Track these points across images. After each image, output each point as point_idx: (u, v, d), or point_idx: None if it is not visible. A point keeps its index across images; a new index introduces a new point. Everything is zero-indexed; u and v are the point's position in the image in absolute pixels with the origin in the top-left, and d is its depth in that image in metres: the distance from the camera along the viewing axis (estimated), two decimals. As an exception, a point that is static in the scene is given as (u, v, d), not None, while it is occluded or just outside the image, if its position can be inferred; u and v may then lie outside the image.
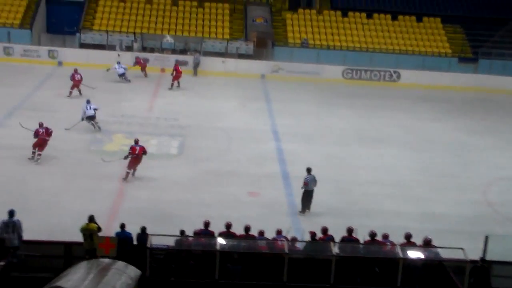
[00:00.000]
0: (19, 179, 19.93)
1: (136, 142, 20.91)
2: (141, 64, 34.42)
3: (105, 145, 23.55)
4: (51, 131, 21.84)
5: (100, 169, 21.18)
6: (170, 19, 39.33)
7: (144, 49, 37.08)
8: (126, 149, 21.34)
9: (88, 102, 24.96)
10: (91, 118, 24.61)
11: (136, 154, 20.47)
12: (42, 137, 21.52)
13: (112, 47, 36.73)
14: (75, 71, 29.81)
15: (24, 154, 21.77)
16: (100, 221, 14.89)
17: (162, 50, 36.89)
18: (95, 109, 24.59)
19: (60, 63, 35.04)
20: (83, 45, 36.88)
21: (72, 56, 35.32)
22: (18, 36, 36.15)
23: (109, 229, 15.48)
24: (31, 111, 26.37)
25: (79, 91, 29.58)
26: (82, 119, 24.49)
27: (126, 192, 19.74)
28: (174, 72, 32.47)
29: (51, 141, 22.17)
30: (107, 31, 37.74)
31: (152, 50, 37.09)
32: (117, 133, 24.61)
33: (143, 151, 20.66)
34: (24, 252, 14.21)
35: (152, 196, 19.49)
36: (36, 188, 19.36)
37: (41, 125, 21.83)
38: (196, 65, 35.77)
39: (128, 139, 23.89)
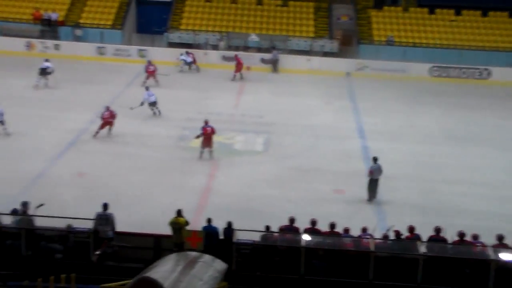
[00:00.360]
0: (113, 173, 20.68)
1: (206, 123, 22.30)
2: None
3: (192, 141, 23.97)
4: (115, 114, 23.99)
5: (188, 165, 21.74)
6: (255, 18, 39.70)
7: (229, 47, 37.59)
8: (214, 145, 22.59)
9: (147, 89, 26.86)
10: (154, 104, 26.43)
11: (207, 134, 21.97)
12: (106, 119, 23.75)
13: (198, 46, 37.46)
14: (149, 62, 32.16)
15: (117, 150, 22.74)
16: (187, 215, 15.28)
17: (247, 48, 37.28)
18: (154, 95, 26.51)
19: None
20: (170, 44, 37.74)
21: (160, 55, 36.17)
22: (110, 36, 37.48)
23: (196, 223, 15.81)
24: (122, 107, 27.26)
25: (156, 81, 31.29)
26: (142, 104, 26.06)
27: (212, 188, 20.12)
28: (236, 64, 33.72)
29: (142, 138, 23.65)
30: (193, 31, 38.52)
31: (237, 48, 37.53)
32: (204, 130, 25.09)
33: (213, 132, 22.13)
34: (117, 243, 14.78)
35: (238, 191, 19.76)
36: (128, 182, 20.04)
37: (107, 108, 24.04)
38: (275, 62, 36.05)
39: (215, 136, 24.35)
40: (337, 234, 14.90)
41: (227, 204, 18.47)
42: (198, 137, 22.29)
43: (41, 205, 14.81)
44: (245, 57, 36.25)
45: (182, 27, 39.00)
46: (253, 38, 37.52)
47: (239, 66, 33.87)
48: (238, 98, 30.69)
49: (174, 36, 38.14)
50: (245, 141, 24.57)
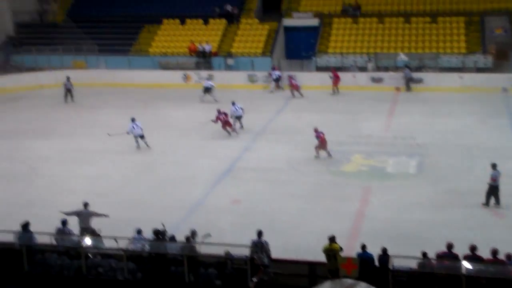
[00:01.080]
0: (267, 200, 21.05)
1: (316, 130, 24.47)
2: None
3: (343, 166, 23.99)
4: (227, 113, 27.70)
5: (340, 190, 21.70)
6: (403, 37, 39.08)
7: (378, 68, 37.28)
8: (365, 169, 23.18)
9: (233, 104, 28.36)
10: (239, 118, 28.30)
11: (322, 140, 24.26)
12: (224, 119, 27.52)
13: (346, 69, 37.54)
14: (292, 77, 35.24)
15: (270, 176, 23.16)
16: (340, 241, 15.23)
17: (396, 68, 36.74)
18: (242, 109, 28.42)
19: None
20: (319, 69, 38.15)
21: (309, 79, 36.69)
22: (260, 64, 38.58)
23: (350, 250, 15.72)
24: (274, 134, 27.92)
25: (301, 94, 34.52)
26: (231, 117, 28.12)
27: (365, 213, 19.90)
28: (332, 77, 35.07)
29: (294, 164, 24.16)
30: (341, 53, 38.65)
31: (386, 69, 37.12)
32: (355, 154, 24.95)
33: (324, 135, 24.46)
34: (273, 270, 15.06)
35: (392, 216, 19.39)
36: (281, 209, 20.29)
37: (219, 111, 27.72)
38: (408, 80, 35.22)
39: (366, 160, 24.28)
40: (501, 261, 14.16)
41: (382, 230, 18.19)
42: (317, 146, 24.44)
43: (208, 235, 15.50)
44: (394, 77, 35.83)
45: (330, 50, 39.27)
46: (402, 57, 36.91)
47: (336, 80, 34.82)
48: (389, 119, 30.24)
49: (322, 60, 38.54)
50: (397, 164, 24.04)
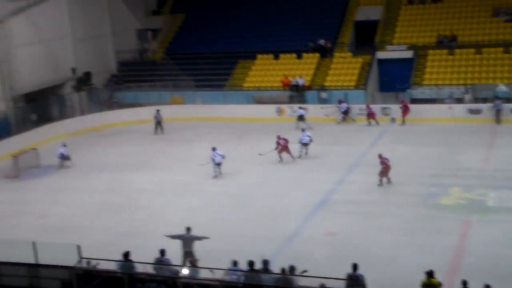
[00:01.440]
0: (362, 233, 20.84)
1: (381, 156, 24.96)
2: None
3: (441, 199, 23.39)
4: (288, 140, 28.92)
5: (437, 224, 21.15)
6: (502, 67, 37.90)
7: (475, 100, 36.26)
8: (464, 203, 22.52)
9: (303, 130, 30.07)
10: (306, 145, 29.55)
11: (387, 165, 24.69)
12: (284, 145, 28.80)
13: (442, 101, 36.77)
14: (368, 106, 35.89)
15: (364, 209, 22.91)
16: (438, 276, 14.88)
17: (495, 99, 35.57)
18: (309, 137, 29.58)
19: (393, 120, 36.09)
20: (413, 101, 37.50)
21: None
22: (354, 97, 38.36)
23: (449, 285, 15.35)
24: (368, 166, 27.62)
25: (377, 123, 35.51)
26: (300, 142, 29.57)
27: (465, 248, 19.27)
28: (402, 108, 35.18)
29: (389, 197, 24.02)
30: (436, 85, 37.93)
31: (484, 100, 36.04)
32: (453, 187, 24.29)
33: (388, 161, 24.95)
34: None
35: (494, 252, 18.65)
36: (376, 242, 20.01)
37: (279, 137, 29.11)
38: (497, 112, 34.01)
39: (465, 193, 23.59)
40: None
41: (483, 266, 17.54)
42: (381, 171, 24.84)
43: (305, 271, 15.51)
44: (492, 109, 34.73)
45: (425, 82, 38.61)
46: (501, 88, 35.75)
47: (405, 111, 35.04)
48: (489, 152, 29.25)
49: (417, 92, 37.93)
50: (499, 198, 23.12)
